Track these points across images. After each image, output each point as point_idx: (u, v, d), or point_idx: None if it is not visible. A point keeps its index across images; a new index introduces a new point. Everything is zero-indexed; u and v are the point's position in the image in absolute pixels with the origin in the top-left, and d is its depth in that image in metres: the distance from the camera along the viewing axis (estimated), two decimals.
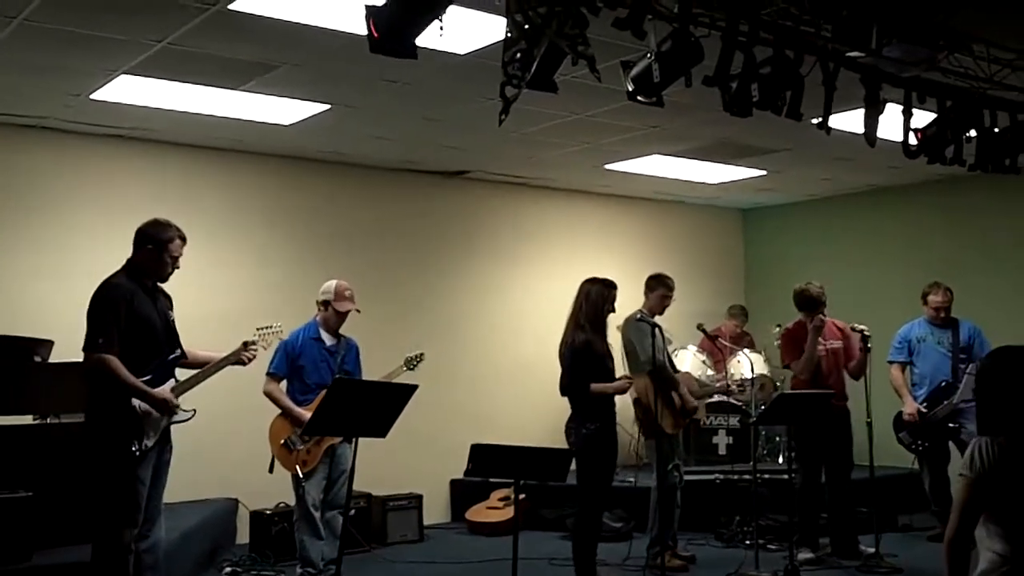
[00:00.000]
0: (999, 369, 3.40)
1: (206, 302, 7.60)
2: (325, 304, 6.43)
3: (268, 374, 6.32)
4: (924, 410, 7.48)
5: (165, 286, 5.21)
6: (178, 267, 5.12)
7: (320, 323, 6.45)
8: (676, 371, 7.24)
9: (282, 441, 6.20)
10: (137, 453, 4.83)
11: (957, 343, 7.51)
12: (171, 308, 5.21)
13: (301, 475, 6.18)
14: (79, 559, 5.37)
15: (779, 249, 11.22)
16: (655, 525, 6.76)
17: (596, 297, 6.27)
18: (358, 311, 6.48)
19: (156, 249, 5.02)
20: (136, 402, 4.85)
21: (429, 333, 8.83)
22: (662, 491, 6.70)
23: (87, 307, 4.90)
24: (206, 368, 5.22)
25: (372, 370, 6.55)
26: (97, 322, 4.84)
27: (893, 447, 7.85)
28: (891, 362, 7.76)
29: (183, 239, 5.12)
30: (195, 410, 5.11)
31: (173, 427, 5.12)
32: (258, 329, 5.52)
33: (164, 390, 4.96)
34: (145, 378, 4.89)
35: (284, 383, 6.38)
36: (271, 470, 6.26)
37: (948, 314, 7.62)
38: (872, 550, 6.93)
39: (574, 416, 6.23)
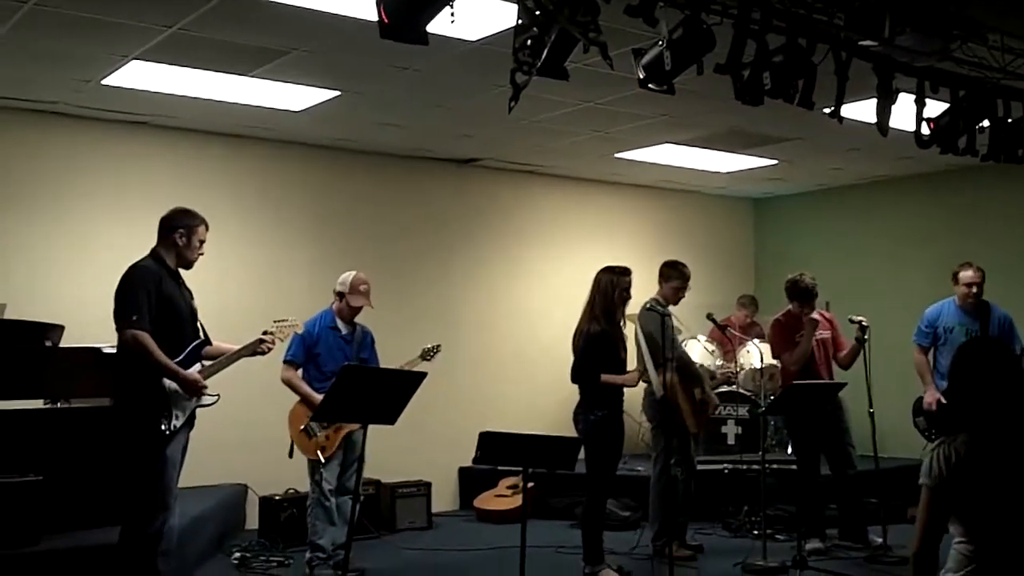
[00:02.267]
0: (966, 364, 3.33)
1: (213, 289, 7.62)
2: (340, 295, 6.46)
3: (285, 362, 6.39)
4: (944, 401, 7.07)
5: (189, 280, 5.27)
6: (203, 253, 5.22)
7: (336, 312, 6.49)
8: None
9: (302, 427, 6.26)
10: (167, 432, 4.87)
11: (986, 335, 7.05)
12: (192, 299, 5.30)
13: (323, 460, 6.23)
14: (88, 543, 5.41)
15: (790, 239, 11.19)
16: (658, 516, 6.78)
17: (606, 287, 6.32)
18: (371, 307, 6.50)
19: (186, 235, 5.12)
20: (166, 381, 4.90)
21: (438, 320, 8.85)
22: (664, 482, 6.71)
23: (115, 289, 4.95)
24: (227, 356, 5.28)
25: (383, 359, 6.57)
26: (129, 300, 4.90)
27: (901, 437, 7.82)
28: (917, 344, 7.41)
29: (207, 226, 5.24)
30: (219, 395, 5.16)
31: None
32: (275, 322, 5.59)
33: (194, 371, 5.03)
34: (176, 360, 4.96)
35: (305, 371, 6.44)
36: (291, 455, 6.32)
37: (980, 294, 7.16)
38: (880, 540, 6.93)
39: (582, 403, 6.27)
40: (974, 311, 7.19)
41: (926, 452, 3.28)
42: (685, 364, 6.83)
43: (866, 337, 6.87)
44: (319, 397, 6.16)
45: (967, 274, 7.16)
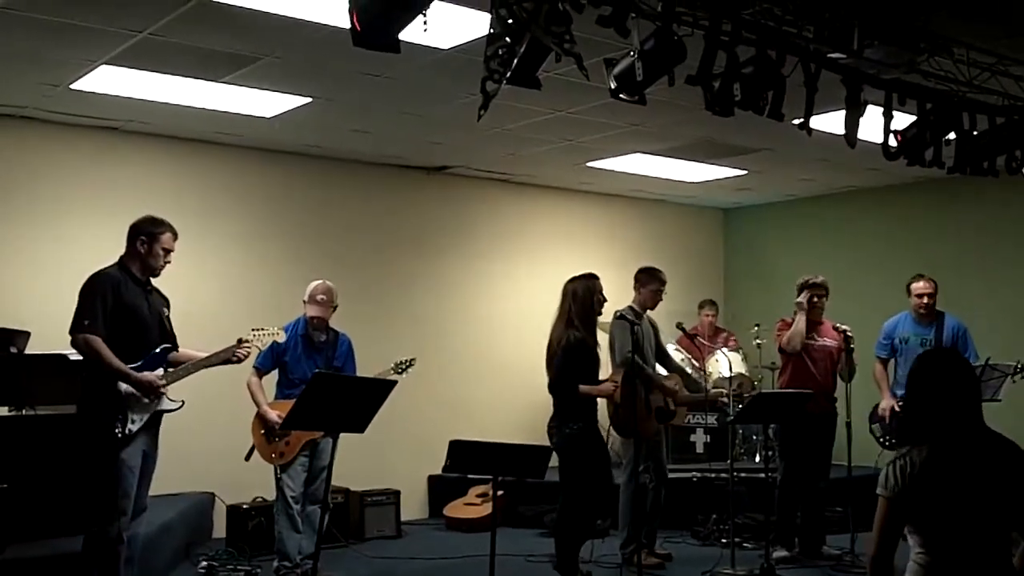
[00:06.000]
0: (923, 375, 3.36)
1: (183, 295, 7.56)
2: (305, 303, 6.48)
3: (253, 367, 6.38)
4: (897, 409, 7.32)
5: (160, 286, 5.27)
6: (169, 261, 5.21)
7: (306, 319, 6.48)
8: (671, 368, 7.22)
9: (263, 431, 6.25)
10: (120, 435, 4.85)
11: (940, 345, 7.33)
12: (167, 307, 5.30)
13: (278, 466, 6.23)
14: (54, 552, 5.35)
15: (759, 249, 11.25)
16: (626, 523, 6.77)
17: (584, 294, 6.23)
18: (326, 318, 6.45)
19: (148, 242, 5.12)
20: (121, 385, 4.90)
21: (408, 329, 8.84)
22: (633, 490, 6.71)
23: (76, 296, 4.96)
24: (195, 362, 5.27)
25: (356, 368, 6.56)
26: (84, 306, 4.93)
27: (869, 446, 7.88)
28: (877, 356, 7.64)
29: (175, 234, 5.23)
30: (183, 401, 5.15)
31: None
32: (253, 330, 5.59)
33: (149, 374, 4.99)
34: (134, 365, 4.94)
35: (278, 376, 6.46)
36: (248, 458, 6.30)
37: (933, 304, 7.40)
38: (837, 551, 6.99)
39: (556, 416, 6.20)
40: (928, 322, 7.43)
41: (882, 459, 3.32)
42: (646, 376, 6.76)
43: (852, 347, 6.94)
44: (265, 408, 6.28)
45: (919, 285, 7.44)
